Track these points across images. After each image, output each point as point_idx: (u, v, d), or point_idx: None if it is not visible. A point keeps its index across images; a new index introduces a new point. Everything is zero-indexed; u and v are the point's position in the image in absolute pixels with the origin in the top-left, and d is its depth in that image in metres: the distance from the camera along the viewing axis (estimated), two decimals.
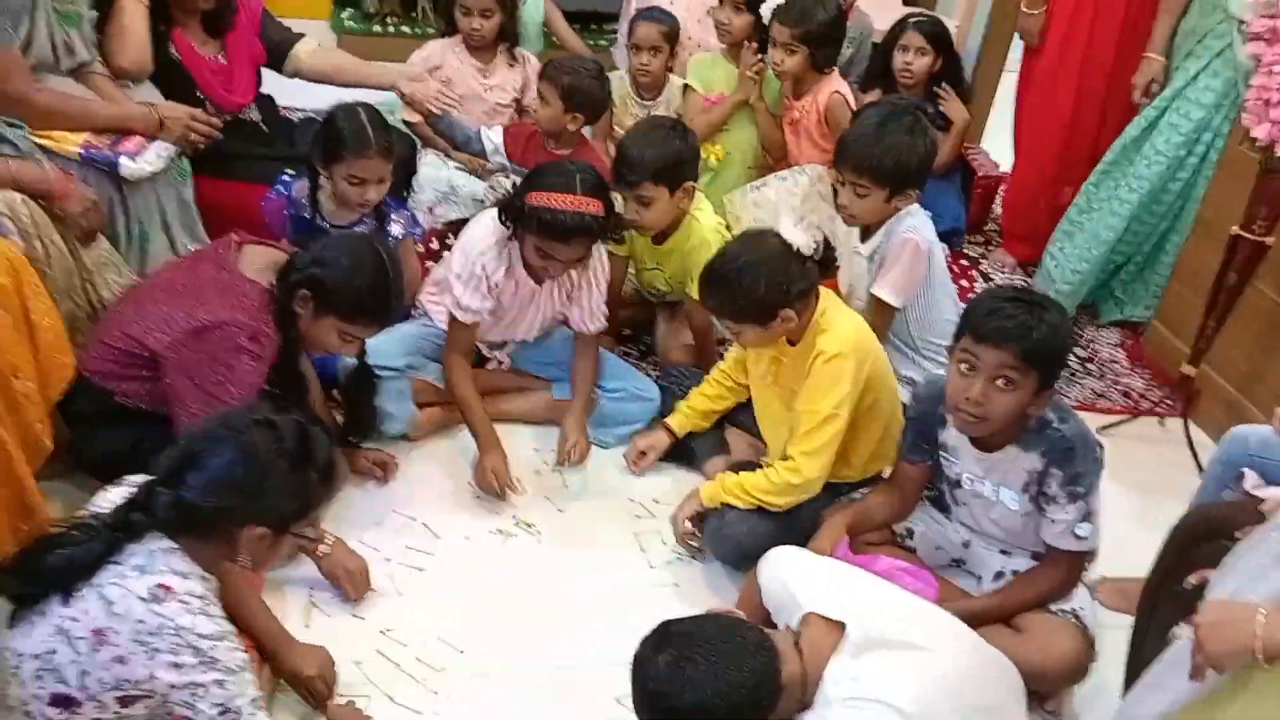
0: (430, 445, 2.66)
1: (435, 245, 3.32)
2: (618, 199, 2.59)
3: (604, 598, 2.30)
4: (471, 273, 2.48)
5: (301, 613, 2.14)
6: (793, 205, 3.24)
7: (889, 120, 2.53)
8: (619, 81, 3.63)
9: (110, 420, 2.15)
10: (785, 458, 2.28)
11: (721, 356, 2.64)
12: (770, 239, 2.19)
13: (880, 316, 2.66)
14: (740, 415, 2.61)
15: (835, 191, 2.64)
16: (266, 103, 3.16)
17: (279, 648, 1.88)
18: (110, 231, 2.48)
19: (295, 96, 3.29)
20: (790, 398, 2.30)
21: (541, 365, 2.79)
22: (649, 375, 2.89)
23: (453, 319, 2.54)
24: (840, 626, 1.74)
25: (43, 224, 2.20)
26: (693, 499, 2.41)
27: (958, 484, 2.20)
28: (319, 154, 2.55)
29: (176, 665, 1.44)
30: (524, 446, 2.69)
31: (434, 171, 3.41)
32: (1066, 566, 2.10)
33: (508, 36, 3.52)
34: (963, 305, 3.00)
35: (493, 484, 2.46)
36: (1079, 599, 2.12)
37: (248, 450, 1.53)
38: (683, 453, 2.67)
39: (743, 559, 2.34)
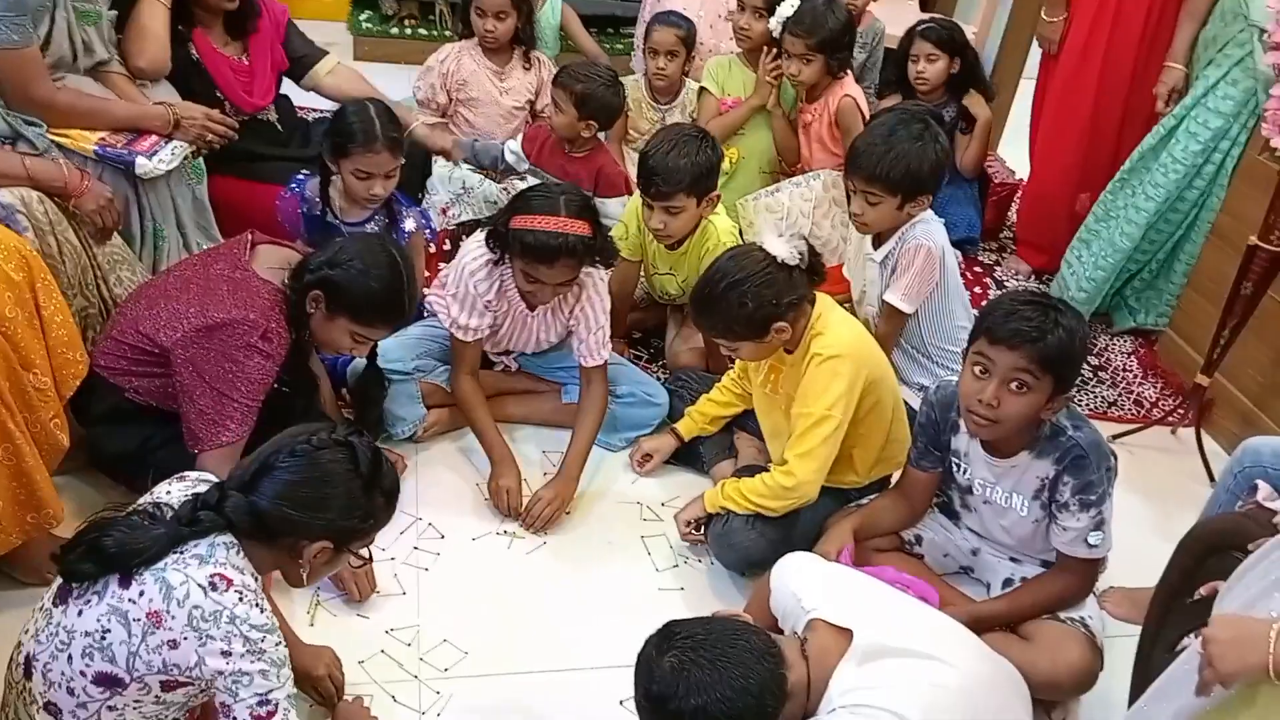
0: (437, 446, 2.66)
1: (448, 246, 3.33)
2: (637, 210, 2.56)
3: (609, 600, 2.30)
4: (466, 293, 2.47)
5: (307, 612, 2.14)
6: (805, 210, 3.24)
7: (899, 128, 2.53)
8: (635, 85, 3.63)
9: (121, 418, 2.16)
10: (783, 462, 2.28)
11: (731, 361, 2.63)
12: (754, 253, 2.18)
13: (892, 323, 2.65)
14: (748, 420, 2.61)
15: (849, 198, 2.64)
16: (283, 103, 3.18)
17: (288, 647, 1.87)
18: (124, 229, 2.50)
19: (312, 97, 3.30)
20: (790, 405, 2.29)
21: (551, 369, 2.79)
22: (657, 379, 2.89)
23: (454, 338, 2.53)
24: (847, 633, 1.73)
25: (57, 221, 2.22)
26: (696, 503, 2.41)
27: (969, 490, 2.19)
28: (328, 148, 2.56)
29: (226, 653, 1.47)
30: (532, 449, 2.69)
31: (447, 173, 3.42)
32: (1078, 574, 2.09)
33: (523, 40, 3.53)
34: (975, 312, 3.00)
35: (504, 503, 2.45)
36: (1088, 607, 2.11)
37: (326, 468, 1.58)
38: (690, 456, 2.67)
39: (747, 565, 2.34)
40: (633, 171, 3.57)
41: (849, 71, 3.41)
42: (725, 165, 3.47)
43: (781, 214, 3.26)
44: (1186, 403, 3.06)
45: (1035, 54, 3.73)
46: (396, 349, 2.56)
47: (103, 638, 1.47)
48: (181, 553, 1.50)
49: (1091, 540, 2.02)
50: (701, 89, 3.56)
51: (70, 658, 1.49)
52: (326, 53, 3.20)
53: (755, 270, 2.15)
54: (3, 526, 1.90)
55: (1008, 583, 2.21)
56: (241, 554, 1.55)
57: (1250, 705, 1.40)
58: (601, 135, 3.27)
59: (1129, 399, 3.25)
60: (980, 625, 2.00)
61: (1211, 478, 2.86)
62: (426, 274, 3.06)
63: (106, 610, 1.48)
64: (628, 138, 3.70)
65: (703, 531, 2.40)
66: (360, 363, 2.43)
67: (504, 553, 2.39)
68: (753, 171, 3.55)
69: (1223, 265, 2.98)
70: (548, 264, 2.34)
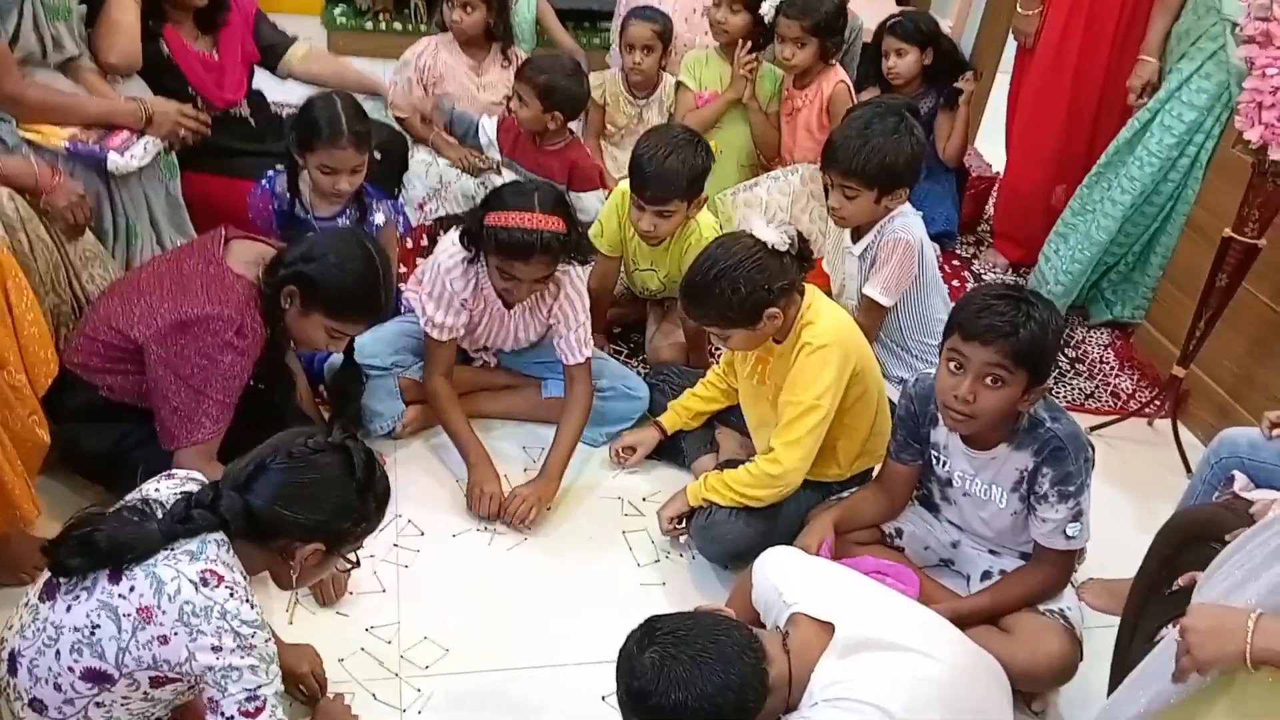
0: (417, 442, 2.65)
1: (426, 242, 3.31)
2: (616, 206, 2.54)
3: (591, 596, 2.29)
4: (441, 291, 2.45)
5: (286, 610, 2.13)
6: (783, 205, 3.24)
7: (874, 121, 2.53)
8: (612, 79, 3.62)
9: (95, 416, 2.14)
10: (769, 451, 2.28)
11: (713, 355, 2.63)
12: (744, 239, 2.17)
13: (871, 316, 2.66)
14: (730, 414, 2.61)
15: (826, 192, 2.64)
16: (256, 98, 3.16)
17: None
18: (97, 226, 2.47)
19: (285, 92, 3.28)
20: (778, 395, 2.29)
21: (530, 364, 2.77)
22: (638, 374, 2.88)
23: (429, 337, 2.51)
24: (829, 627, 1.74)
25: (28, 218, 2.19)
26: (679, 498, 2.41)
27: (949, 483, 2.19)
28: (294, 142, 2.54)
29: (216, 648, 1.47)
30: (512, 446, 2.68)
31: (424, 168, 3.40)
32: (1056, 566, 2.10)
33: (498, 35, 3.50)
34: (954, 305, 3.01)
35: (487, 507, 2.42)
36: (1066, 599, 2.12)
37: (322, 470, 1.59)
38: (672, 451, 2.66)
39: (730, 558, 2.34)
40: (611, 167, 3.58)
41: (838, 59, 3.41)
42: None
43: (760, 208, 3.27)
44: (1163, 394, 3.08)
45: (1011, 47, 3.74)
46: (374, 344, 2.54)
47: (92, 633, 1.47)
48: (172, 549, 1.50)
49: (1070, 531, 2.03)
50: (678, 83, 3.56)
51: (58, 653, 1.48)
52: (296, 38, 3.17)
53: (746, 256, 2.14)
54: None
55: (986, 575, 2.22)
56: (232, 552, 1.55)
57: (1226, 691, 1.41)
58: (574, 127, 3.25)
59: (1106, 391, 3.27)
60: (961, 621, 2.00)
61: (1188, 468, 2.88)
62: (403, 269, 3.04)
63: (96, 605, 1.47)
64: (605, 132, 3.69)
65: (685, 525, 2.40)
66: (337, 359, 2.42)
67: (484, 549, 2.38)
68: (730, 165, 3.55)
69: (1198, 258, 3.00)
70: (523, 260, 2.32)
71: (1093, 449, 2.05)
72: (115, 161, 2.43)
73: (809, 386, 2.20)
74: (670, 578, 2.38)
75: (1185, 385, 3.05)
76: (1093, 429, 3.00)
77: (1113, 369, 3.37)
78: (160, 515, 1.54)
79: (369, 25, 4.89)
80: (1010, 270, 3.83)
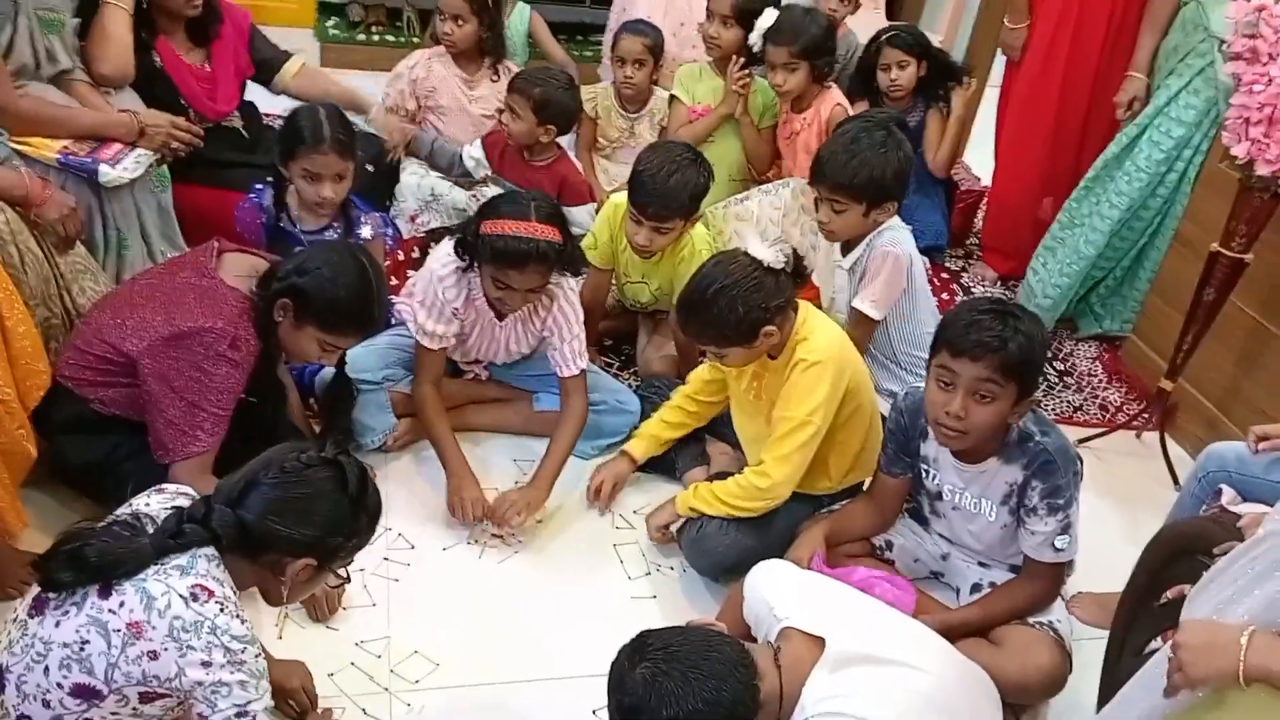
0: (407, 456, 2.64)
1: (417, 254, 3.31)
2: (609, 218, 2.54)
3: (582, 610, 2.29)
4: (433, 300, 2.45)
5: (275, 624, 2.12)
6: (774, 218, 3.25)
7: (861, 135, 2.55)
8: (603, 93, 3.63)
9: (86, 429, 2.13)
10: (760, 463, 2.28)
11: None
12: (740, 258, 2.18)
13: (861, 329, 2.67)
14: (722, 427, 2.61)
15: (816, 206, 2.65)
16: (249, 110, 3.16)
17: None
18: (88, 238, 2.47)
19: (279, 104, 3.28)
20: (772, 410, 2.29)
21: (521, 377, 2.77)
22: (629, 386, 2.88)
23: (419, 345, 2.50)
24: (820, 641, 1.74)
25: (19, 230, 2.18)
26: (667, 506, 2.42)
27: (938, 496, 2.20)
28: (279, 153, 2.54)
29: (206, 664, 1.47)
30: (503, 458, 2.68)
31: (416, 180, 3.41)
32: (1045, 579, 2.10)
33: (492, 50, 3.51)
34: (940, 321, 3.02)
35: (467, 512, 2.39)
36: (1056, 611, 2.13)
37: (314, 485, 1.59)
38: (663, 464, 2.66)
39: (721, 571, 2.34)
40: (603, 180, 3.59)
41: (833, 79, 3.40)
42: None
43: (750, 222, 3.27)
44: (1151, 407, 3.10)
45: (1000, 62, 3.77)
46: (365, 358, 2.54)
47: (81, 649, 1.46)
48: (162, 564, 1.50)
49: (1059, 544, 2.04)
50: (672, 97, 3.57)
51: (47, 669, 1.47)
52: (291, 55, 3.18)
53: (742, 275, 2.15)
54: None
55: (976, 587, 2.22)
56: (222, 567, 1.54)
57: (1218, 708, 1.41)
58: (564, 142, 3.26)
59: (1094, 403, 3.28)
60: (951, 634, 2.01)
61: (1176, 481, 2.90)
62: (394, 281, 3.04)
63: (86, 621, 1.46)
64: (597, 145, 3.70)
65: (676, 535, 2.41)
66: (329, 372, 2.41)
67: (475, 563, 2.37)
68: (722, 179, 3.55)
69: (1186, 272, 3.02)
70: (518, 269, 2.31)
71: (1081, 462, 2.06)
72: (107, 173, 2.43)
73: (802, 402, 2.21)
74: (661, 591, 2.38)
75: (1173, 398, 3.06)
76: (1081, 441, 3.01)
77: (1101, 382, 3.39)
78: (151, 530, 1.53)
79: (361, 37, 4.89)
80: (999, 283, 3.84)
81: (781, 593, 1.90)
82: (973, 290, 3.79)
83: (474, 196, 3.35)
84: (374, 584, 2.25)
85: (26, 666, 1.48)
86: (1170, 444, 3.03)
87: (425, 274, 2.50)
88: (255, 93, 3.19)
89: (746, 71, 3.43)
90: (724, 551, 2.29)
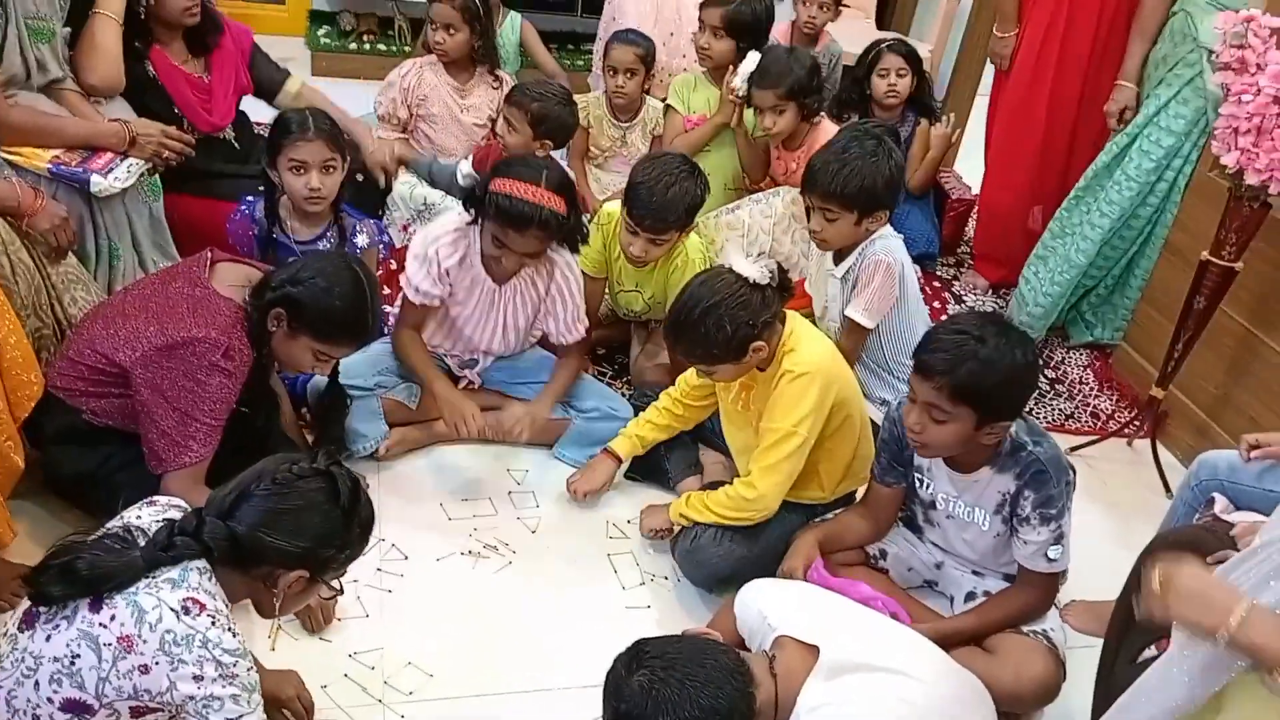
0: (399, 466, 2.64)
1: None
2: (602, 227, 2.56)
3: (576, 620, 2.29)
4: (425, 255, 2.50)
5: (268, 636, 2.11)
6: (766, 228, 3.25)
7: (852, 144, 2.56)
8: (595, 103, 3.64)
9: (78, 439, 2.12)
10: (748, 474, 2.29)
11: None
12: (726, 276, 2.19)
13: (853, 338, 2.67)
14: (715, 436, 2.61)
15: (808, 215, 2.66)
16: (241, 120, 3.15)
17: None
18: (80, 248, 2.46)
19: (271, 113, 3.27)
20: (760, 421, 2.30)
21: (513, 385, 2.77)
22: (622, 395, 2.88)
23: (405, 298, 2.56)
24: (814, 649, 1.74)
25: (10, 240, 2.18)
26: (660, 511, 2.44)
27: (932, 505, 2.20)
28: (267, 158, 2.54)
29: (198, 678, 1.46)
30: (495, 466, 2.68)
31: (408, 189, 3.41)
32: (1039, 588, 2.10)
33: (481, 57, 3.51)
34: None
35: (470, 425, 2.51)
36: (1050, 620, 2.13)
37: (306, 496, 1.58)
38: (656, 473, 2.66)
39: (715, 582, 2.34)
40: (595, 189, 3.60)
41: (823, 114, 3.35)
42: None
43: (742, 231, 3.28)
44: (1142, 415, 3.11)
45: (990, 71, 3.79)
46: (357, 364, 2.54)
47: (72, 663, 1.45)
48: (154, 577, 1.49)
49: (1051, 554, 2.04)
50: (667, 106, 3.58)
51: (37, 684, 1.46)
52: (290, 73, 3.18)
53: (729, 293, 2.15)
54: None
55: (970, 596, 2.23)
56: (214, 580, 1.53)
57: (1215, 713, 1.42)
58: (557, 154, 3.26)
59: (1085, 411, 3.29)
60: (945, 643, 2.01)
61: (1167, 488, 2.91)
62: (387, 291, 3.04)
63: (76, 635, 1.45)
64: (589, 154, 3.70)
65: (670, 544, 2.41)
66: (321, 381, 2.41)
67: (468, 573, 2.37)
68: (717, 188, 3.55)
69: (1176, 280, 3.03)
70: (518, 230, 2.37)
71: (1074, 472, 2.07)
72: (98, 183, 2.42)
73: (788, 413, 2.22)
74: (656, 601, 2.37)
75: (1164, 406, 3.08)
76: (1072, 449, 3.02)
77: (1092, 390, 3.40)
78: (142, 543, 1.53)
79: (353, 46, 4.89)
80: (991, 291, 3.85)
81: (776, 602, 1.91)
82: (964, 298, 3.80)
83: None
84: (367, 595, 2.24)
85: (17, 681, 1.47)
86: (1161, 451, 3.04)
87: (424, 232, 2.55)
88: (247, 103, 3.18)
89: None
90: (718, 562, 2.29)
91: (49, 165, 2.37)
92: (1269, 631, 1.32)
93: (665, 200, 2.59)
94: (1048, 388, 3.37)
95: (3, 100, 2.32)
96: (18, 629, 1.50)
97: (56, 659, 1.45)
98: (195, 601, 1.48)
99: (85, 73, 2.61)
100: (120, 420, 2.09)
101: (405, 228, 3.39)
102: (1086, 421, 3.24)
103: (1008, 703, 2.00)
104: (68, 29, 2.58)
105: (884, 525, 2.32)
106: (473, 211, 2.47)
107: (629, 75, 3.49)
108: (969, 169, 4.24)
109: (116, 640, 1.44)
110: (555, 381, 2.66)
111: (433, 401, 2.64)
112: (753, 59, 3.24)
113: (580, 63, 4.92)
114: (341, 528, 1.61)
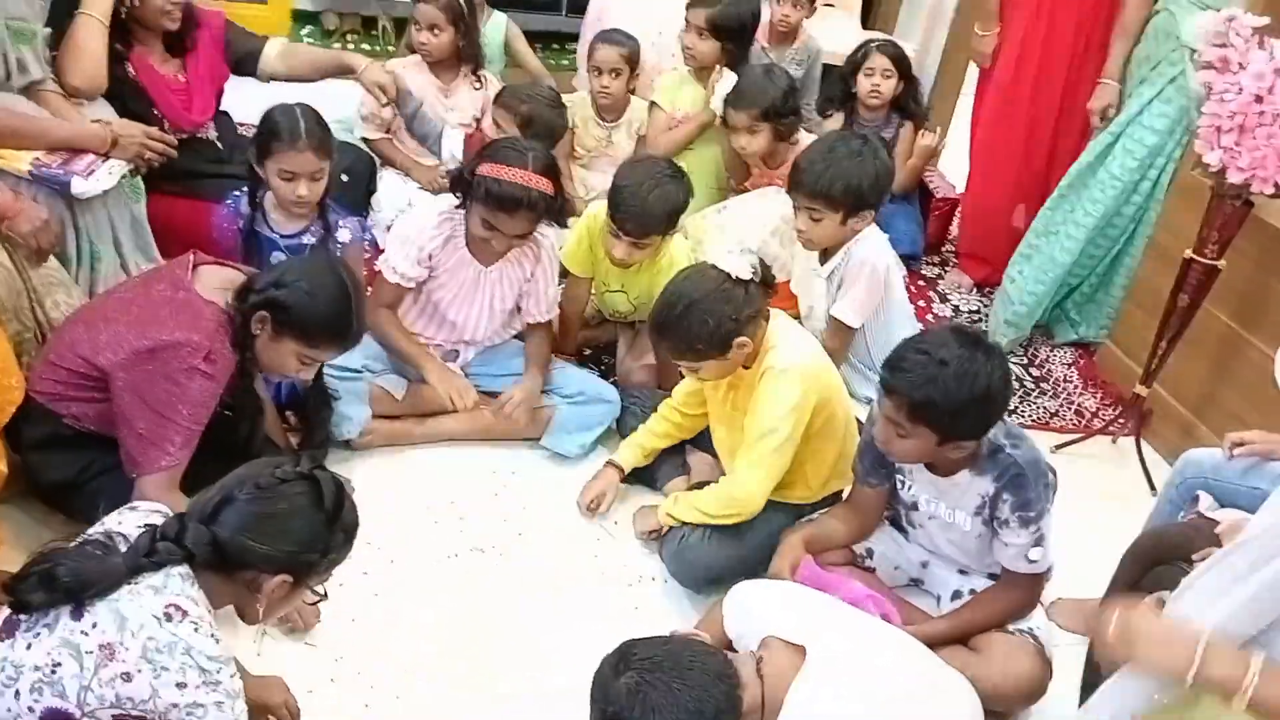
0: (384, 467, 2.62)
1: None
2: (588, 228, 2.57)
3: (563, 621, 2.28)
4: (408, 237, 2.54)
5: (254, 641, 2.10)
6: (752, 228, 3.25)
7: (838, 144, 2.57)
8: (581, 103, 3.63)
9: (59, 444, 2.10)
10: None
11: (683, 376, 2.63)
12: (708, 272, 2.20)
13: (839, 337, 2.68)
14: (702, 437, 2.61)
15: (794, 214, 2.66)
16: (223, 120, 3.13)
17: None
18: (61, 251, 2.44)
19: (253, 114, 3.24)
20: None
21: (495, 379, 2.77)
22: None
23: (380, 276, 2.60)
24: (801, 650, 1.74)
25: None
26: (650, 514, 2.44)
27: (914, 507, 2.21)
28: (254, 152, 2.53)
29: (181, 685, 1.44)
30: (481, 468, 2.67)
31: (393, 190, 3.39)
32: (1023, 587, 2.11)
33: (469, 58, 3.50)
34: (920, 325, 3.04)
35: (466, 399, 2.58)
36: (1035, 618, 2.13)
37: (290, 501, 1.57)
38: (644, 474, 2.66)
39: (703, 583, 2.34)
40: (581, 189, 3.59)
41: (799, 133, 3.32)
42: None
43: (729, 231, 3.27)
44: (1126, 412, 3.12)
45: (974, 70, 3.80)
46: None
47: (53, 671, 1.43)
48: (136, 583, 1.47)
49: (1032, 556, 2.04)
50: (651, 103, 3.57)
51: (18, 693, 1.44)
52: (267, 38, 3.13)
53: (712, 288, 2.16)
54: None
55: (956, 594, 2.23)
56: (197, 586, 1.52)
57: (1194, 706, 1.43)
58: None
59: (1070, 409, 3.30)
60: (931, 642, 2.01)
61: (1152, 486, 2.92)
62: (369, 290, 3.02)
63: (57, 642, 1.43)
64: (574, 154, 3.69)
65: (658, 545, 2.41)
66: (306, 383, 2.39)
67: (455, 575, 2.36)
68: (700, 187, 3.54)
69: (1160, 278, 3.04)
70: (509, 213, 2.42)
71: (1054, 474, 2.05)
72: (80, 186, 2.39)
73: (770, 409, 2.22)
74: (643, 602, 2.37)
75: (1148, 404, 3.09)
76: (1058, 447, 3.03)
77: (1076, 388, 3.41)
78: (124, 549, 1.51)
79: (336, 46, 4.86)
80: (975, 290, 3.86)
81: (763, 602, 1.91)
82: (949, 297, 3.81)
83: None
84: (353, 598, 2.23)
85: None
86: (1146, 449, 3.06)
87: (409, 216, 2.60)
88: (230, 102, 3.16)
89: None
90: (706, 562, 2.29)
91: (30, 167, 2.35)
92: (1227, 664, 1.38)
93: (647, 205, 2.59)
94: (1033, 386, 3.39)
95: None
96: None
97: (37, 668, 1.43)
98: (177, 608, 1.46)
99: (68, 74, 2.59)
100: (101, 425, 2.07)
101: (389, 228, 3.37)
102: (1071, 419, 3.25)
103: (995, 701, 2.01)
104: (49, 30, 2.56)
105: (869, 525, 2.32)
106: (460, 195, 2.50)
107: (614, 75, 3.48)
108: (954, 168, 4.25)
109: (98, 648, 1.43)
110: (535, 356, 2.73)
111: (419, 396, 2.64)
112: (730, 79, 3.25)
113: (565, 62, 4.90)
114: (325, 532, 1.60)
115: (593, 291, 2.99)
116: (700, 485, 2.46)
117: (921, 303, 3.70)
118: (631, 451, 2.59)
